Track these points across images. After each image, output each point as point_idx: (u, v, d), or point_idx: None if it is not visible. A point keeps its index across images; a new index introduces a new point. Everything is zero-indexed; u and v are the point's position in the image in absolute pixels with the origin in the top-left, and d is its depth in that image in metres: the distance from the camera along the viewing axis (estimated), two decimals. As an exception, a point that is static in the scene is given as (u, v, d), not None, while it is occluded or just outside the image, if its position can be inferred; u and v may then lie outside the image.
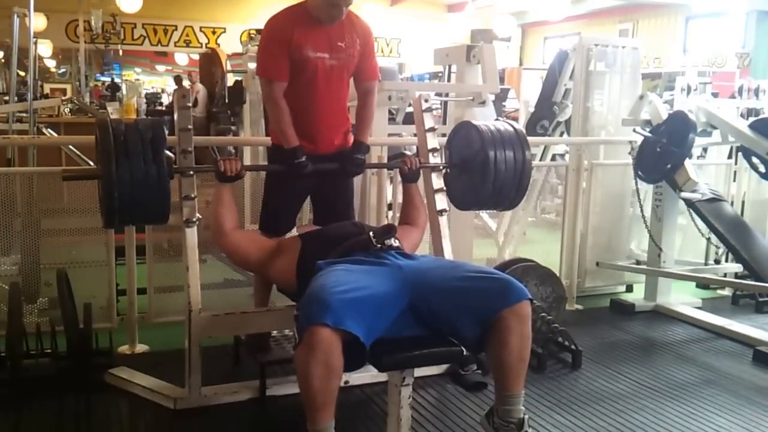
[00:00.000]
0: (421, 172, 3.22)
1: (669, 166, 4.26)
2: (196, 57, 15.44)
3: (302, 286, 2.53)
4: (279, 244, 2.99)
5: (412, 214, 3.19)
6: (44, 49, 12.24)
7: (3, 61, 11.79)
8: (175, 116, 2.99)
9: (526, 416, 2.30)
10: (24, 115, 5.50)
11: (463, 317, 2.25)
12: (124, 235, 3.60)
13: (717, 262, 5.21)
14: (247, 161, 5.69)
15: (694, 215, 4.40)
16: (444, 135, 3.49)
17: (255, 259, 2.96)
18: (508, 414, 2.29)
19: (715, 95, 7.22)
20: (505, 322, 2.24)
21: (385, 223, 2.82)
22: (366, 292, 2.20)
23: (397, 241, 2.63)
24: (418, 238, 3.15)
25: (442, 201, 3.21)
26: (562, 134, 5.76)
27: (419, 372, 2.98)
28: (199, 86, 10.04)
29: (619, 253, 5.11)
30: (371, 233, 2.60)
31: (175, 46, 15.05)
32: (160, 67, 22.45)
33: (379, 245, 2.54)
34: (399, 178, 3.98)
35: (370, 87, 3.22)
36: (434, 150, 3.25)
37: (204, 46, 14.38)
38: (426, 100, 3.30)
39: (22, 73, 6.94)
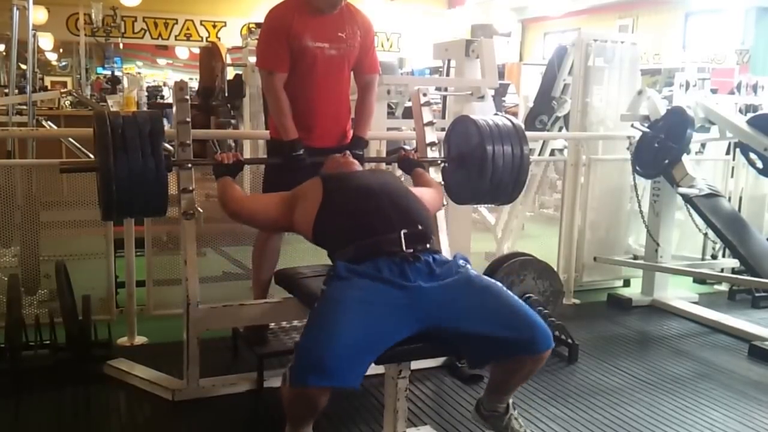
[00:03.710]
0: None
1: (667, 161, 4.28)
2: (197, 50, 15.44)
3: (317, 240, 2.46)
4: (299, 192, 2.61)
5: (425, 184, 2.98)
6: (45, 42, 12.23)
7: (4, 53, 11.77)
8: (174, 109, 3.00)
9: (511, 401, 2.41)
10: (24, 107, 5.50)
11: (476, 352, 2.20)
12: (123, 227, 3.62)
13: (714, 257, 5.23)
14: (246, 155, 5.71)
15: (692, 211, 4.42)
16: (443, 129, 3.49)
17: (275, 214, 2.61)
18: (496, 407, 2.41)
19: (714, 91, 7.22)
20: (523, 361, 2.20)
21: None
22: (374, 348, 2.09)
23: (429, 244, 2.37)
24: (438, 204, 2.94)
25: (440, 195, 3.21)
26: (560, 129, 5.76)
27: (416, 365, 3.00)
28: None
29: (617, 248, 5.12)
30: (403, 232, 2.30)
31: (176, 39, 15.05)
32: (161, 61, 22.42)
33: (409, 249, 2.27)
34: (398, 173, 4.00)
35: (370, 80, 3.23)
36: (432, 144, 3.25)
37: (204, 39, 14.36)
38: (425, 94, 3.31)
39: (23, 66, 6.92)
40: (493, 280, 2.35)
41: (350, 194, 2.49)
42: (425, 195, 2.70)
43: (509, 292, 2.27)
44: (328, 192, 2.50)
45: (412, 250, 2.26)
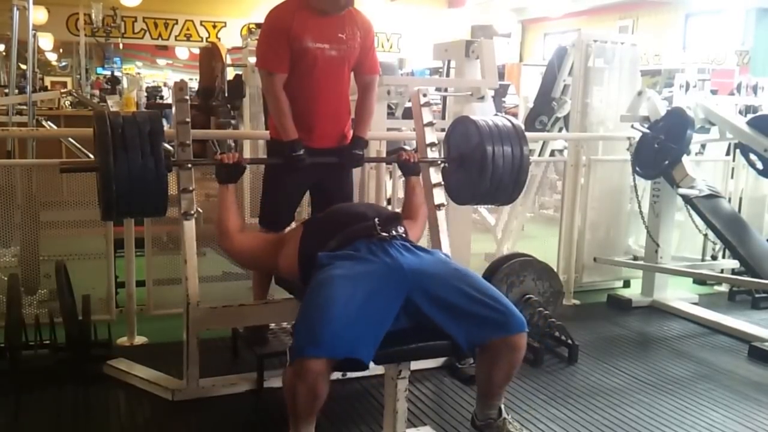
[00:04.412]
0: (420, 166, 3.22)
1: (667, 162, 4.28)
2: (197, 51, 15.44)
3: (304, 272, 2.52)
4: (283, 235, 2.97)
5: (413, 208, 3.09)
6: (45, 42, 12.23)
7: (4, 53, 11.78)
8: (173, 109, 3.00)
9: (503, 406, 2.45)
10: (24, 107, 5.51)
11: (457, 331, 2.25)
12: (123, 227, 3.62)
13: (714, 258, 5.23)
14: (246, 155, 5.70)
15: (692, 211, 4.41)
16: (443, 130, 3.49)
17: (262, 257, 2.90)
18: (488, 415, 2.46)
19: (714, 92, 7.23)
20: (498, 349, 2.28)
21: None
22: (364, 312, 2.15)
23: (402, 227, 2.59)
24: (419, 234, 3.10)
25: (440, 195, 3.22)
26: (560, 130, 5.76)
27: (416, 365, 3.01)
28: None
29: (617, 249, 5.12)
30: (376, 219, 2.52)
31: (176, 40, 15.03)
32: (161, 61, 22.45)
33: (384, 233, 2.47)
34: (398, 173, 4.00)
35: (370, 81, 3.23)
36: (432, 144, 3.26)
37: (204, 40, 14.36)
38: (425, 95, 3.31)
39: (23, 66, 6.93)
40: (470, 270, 2.51)
41: (327, 212, 2.81)
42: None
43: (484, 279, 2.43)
44: (307, 222, 2.87)
45: (386, 234, 2.46)
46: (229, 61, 7.56)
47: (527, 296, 3.76)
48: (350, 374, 3.17)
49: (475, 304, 2.25)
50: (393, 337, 2.25)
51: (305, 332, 2.11)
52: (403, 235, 2.55)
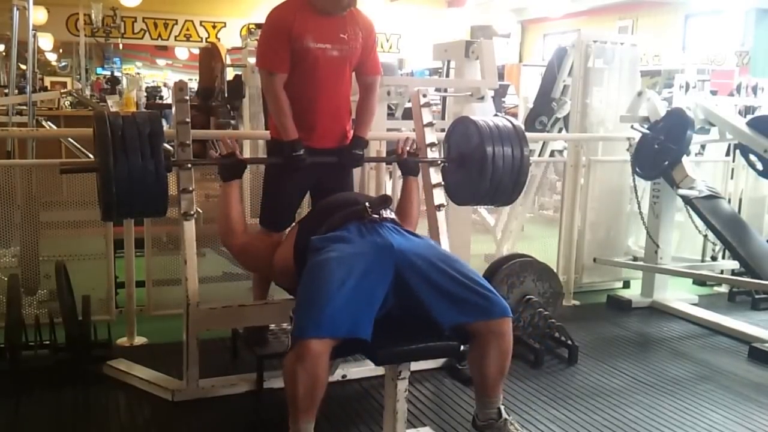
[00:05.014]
0: (420, 166, 3.22)
1: (666, 163, 4.28)
2: (197, 51, 15.43)
3: (298, 262, 2.57)
4: (282, 237, 3.02)
5: (406, 208, 3.12)
6: (45, 42, 12.23)
7: (4, 53, 11.78)
8: (173, 109, 3.00)
9: (502, 406, 2.45)
10: (24, 107, 5.51)
11: (440, 310, 2.29)
12: (123, 227, 3.61)
13: (714, 259, 5.23)
14: (246, 155, 5.70)
15: (692, 212, 4.41)
16: (443, 130, 3.49)
17: (264, 258, 2.94)
18: (488, 415, 2.45)
19: (713, 93, 7.23)
20: (483, 336, 2.31)
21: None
22: (359, 292, 2.20)
23: (392, 212, 2.63)
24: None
25: (440, 196, 3.22)
26: (560, 130, 5.76)
27: (416, 366, 3.01)
28: None
29: (617, 250, 5.12)
30: (367, 203, 2.58)
31: (176, 40, 15.02)
32: (161, 61, 22.43)
33: (375, 215, 2.53)
34: (398, 173, 4.01)
35: (371, 81, 3.22)
36: (432, 145, 3.26)
37: (204, 40, 14.35)
38: (424, 95, 3.31)
39: (23, 66, 6.92)
40: (458, 256, 2.55)
41: (319, 205, 2.89)
42: None
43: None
44: (302, 220, 2.90)
45: (377, 216, 2.52)
46: (228, 61, 7.55)
47: (527, 297, 3.76)
48: (351, 376, 3.19)
49: (460, 287, 2.30)
50: (393, 337, 2.26)
51: (306, 315, 2.16)
52: (391, 217, 2.60)
